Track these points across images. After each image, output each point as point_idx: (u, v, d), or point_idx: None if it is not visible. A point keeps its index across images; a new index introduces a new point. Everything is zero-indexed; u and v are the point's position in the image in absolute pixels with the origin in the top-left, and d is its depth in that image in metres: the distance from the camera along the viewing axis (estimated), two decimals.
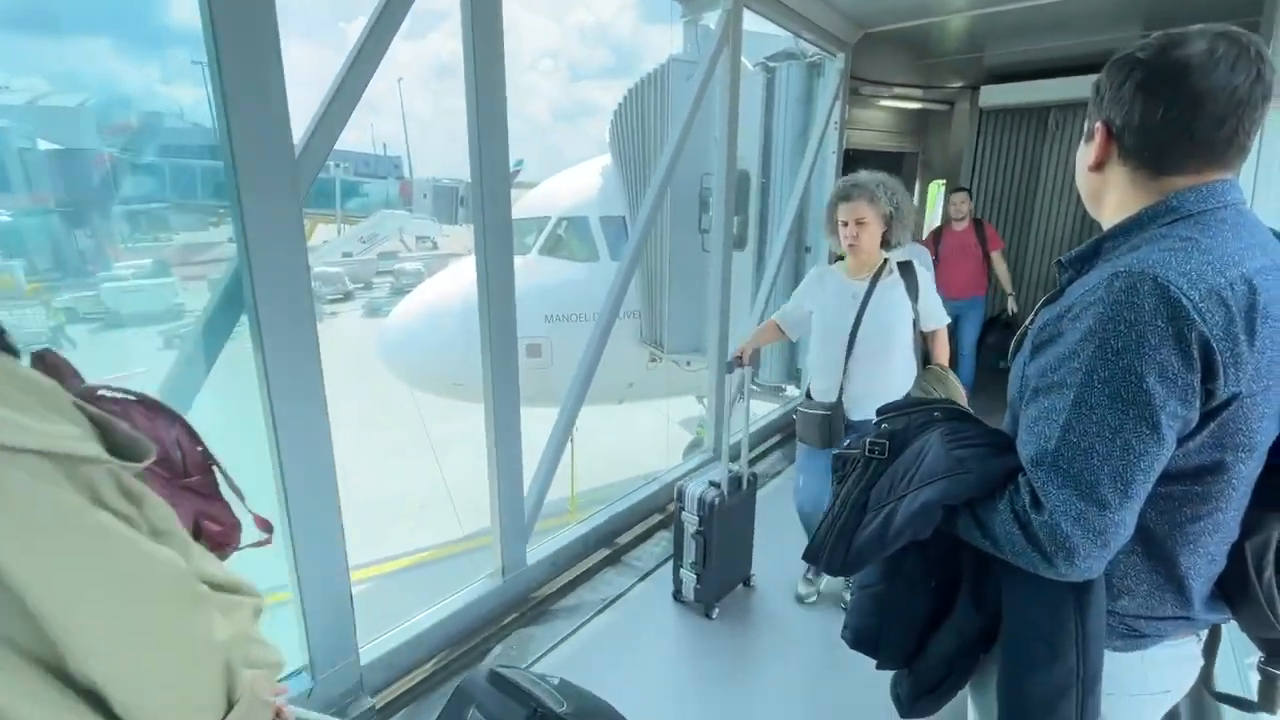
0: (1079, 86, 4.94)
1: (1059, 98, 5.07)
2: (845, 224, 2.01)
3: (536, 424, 2.52)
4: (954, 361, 4.45)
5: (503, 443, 2.08)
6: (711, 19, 3.39)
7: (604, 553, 2.64)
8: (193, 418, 1.41)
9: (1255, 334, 0.68)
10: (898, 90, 5.56)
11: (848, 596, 2.33)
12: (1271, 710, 0.82)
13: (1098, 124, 0.81)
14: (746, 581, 2.52)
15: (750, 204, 4.63)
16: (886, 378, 2.07)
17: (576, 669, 2.08)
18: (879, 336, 2.04)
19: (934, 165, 6.66)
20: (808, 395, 2.23)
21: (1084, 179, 0.86)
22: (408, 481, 8.61)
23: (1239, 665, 1.71)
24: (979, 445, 0.82)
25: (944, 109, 6.13)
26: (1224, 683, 0.86)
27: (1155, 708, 0.86)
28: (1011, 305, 4.45)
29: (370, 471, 8.65)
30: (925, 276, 2.13)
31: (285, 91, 1.34)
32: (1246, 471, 0.73)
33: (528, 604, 2.32)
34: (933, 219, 6.91)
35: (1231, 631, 0.86)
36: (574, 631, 2.23)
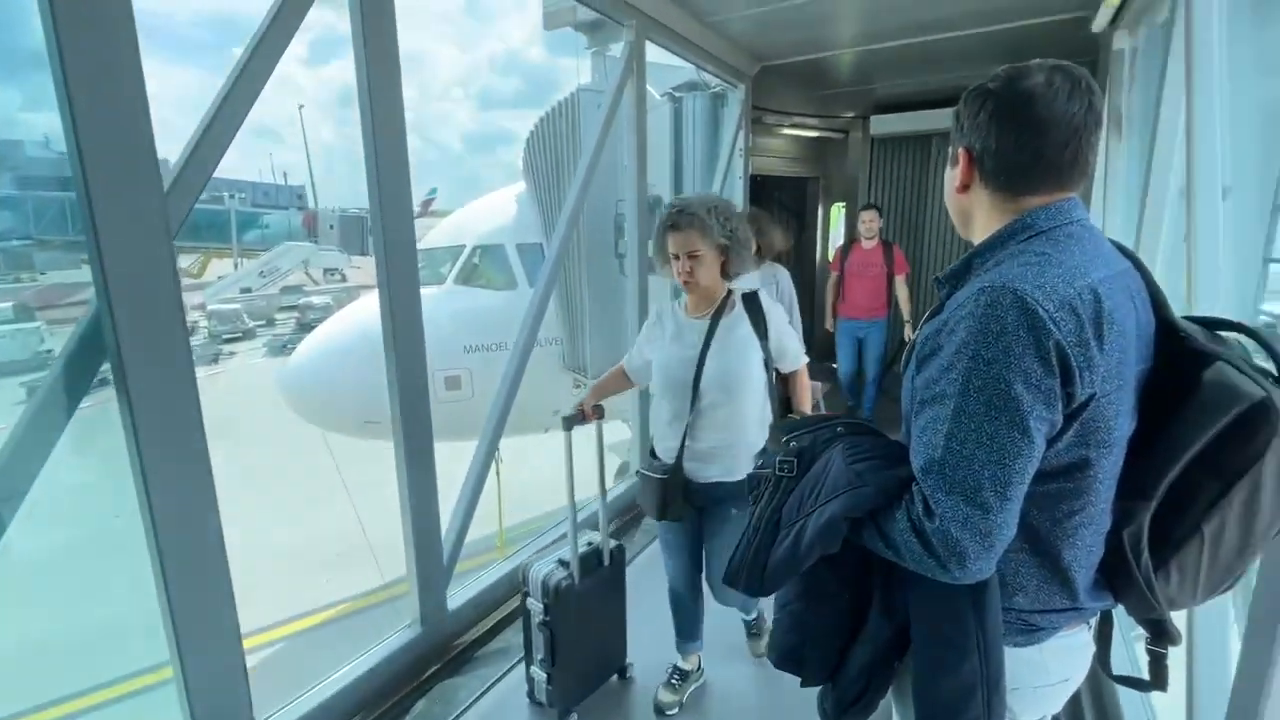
0: (952, 118, 5.43)
1: (940, 127, 5.55)
2: (677, 257, 1.70)
3: (464, 460, 2.41)
4: (860, 385, 4.70)
5: (416, 482, 1.97)
6: (617, 49, 3.47)
7: None
8: (51, 475, 1.25)
9: (1104, 339, 0.74)
10: (796, 119, 5.88)
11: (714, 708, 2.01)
12: (1163, 688, 0.88)
13: (960, 149, 0.88)
14: (622, 674, 2.12)
15: None
16: (736, 433, 1.76)
17: (505, 716, 1.98)
18: (722, 386, 1.72)
19: (833, 189, 7.08)
20: (651, 454, 1.89)
21: (952, 201, 0.93)
22: (325, 529, 8.04)
23: (1128, 647, 1.85)
24: (876, 458, 0.85)
25: (839, 137, 6.54)
26: (1119, 665, 0.92)
27: (1057, 697, 0.90)
28: (909, 333, 4.30)
29: (285, 521, 8.02)
30: (775, 310, 1.83)
31: (149, 114, 1.22)
32: (1109, 465, 0.79)
33: (450, 653, 2.18)
34: (834, 240, 7.32)
35: (1121, 616, 0.92)
36: (501, 677, 2.12)
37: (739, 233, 1.73)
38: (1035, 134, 0.79)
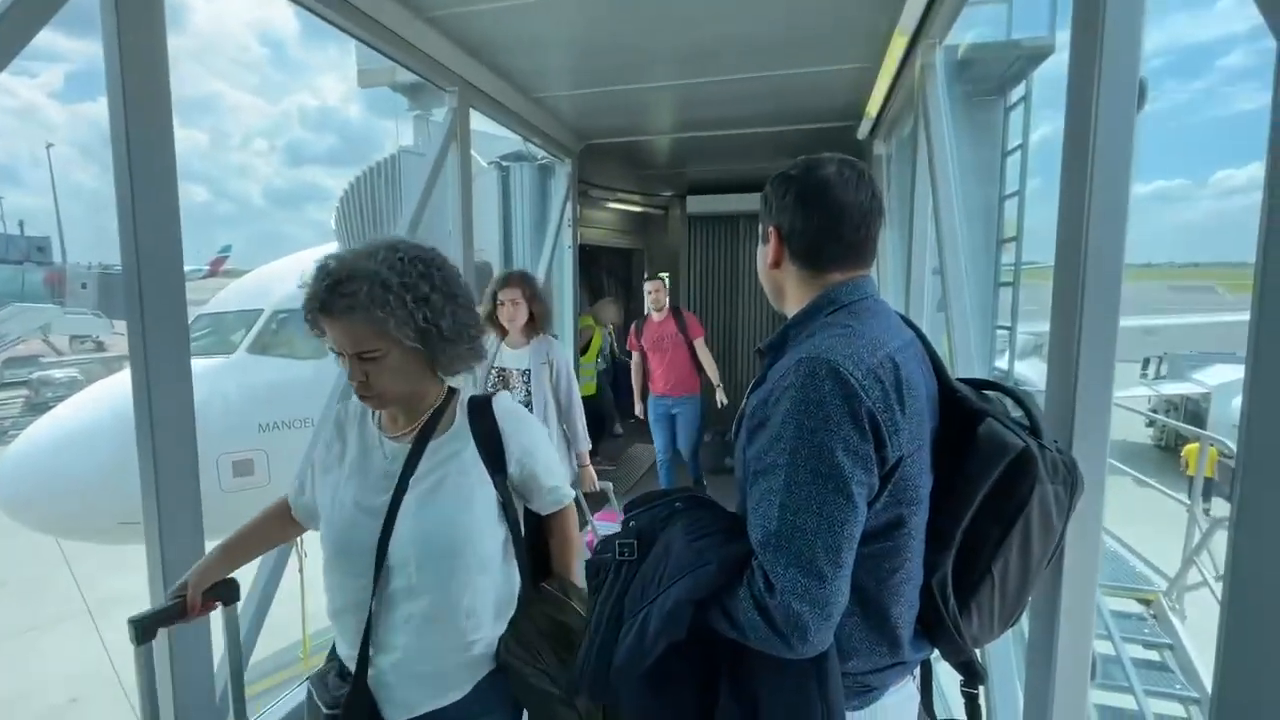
0: (757, 201, 6.12)
1: (746, 209, 6.25)
2: (340, 354, 1.06)
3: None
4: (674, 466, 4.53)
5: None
6: (439, 114, 3.41)
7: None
8: None
9: (905, 403, 0.81)
10: (620, 194, 6.25)
11: None
12: None
13: (770, 228, 0.95)
14: None
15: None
16: (452, 635, 1.08)
17: None
18: (426, 557, 1.06)
19: (656, 260, 7.57)
20: (335, 663, 1.16)
21: (766, 276, 1.00)
22: (53, 669, 6.22)
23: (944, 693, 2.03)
24: (715, 533, 0.84)
25: (660, 213, 7.06)
26: (940, 708, 0.98)
27: None
28: (721, 397, 4.21)
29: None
30: (521, 421, 1.18)
31: None
32: (919, 520, 0.85)
33: None
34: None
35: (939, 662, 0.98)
36: None
37: (433, 300, 1.05)
38: (832, 217, 0.88)
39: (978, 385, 0.95)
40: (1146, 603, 3.55)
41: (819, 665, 0.78)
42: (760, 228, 0.99)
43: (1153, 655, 3.23)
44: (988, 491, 0.82)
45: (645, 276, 7.64)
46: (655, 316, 4.19)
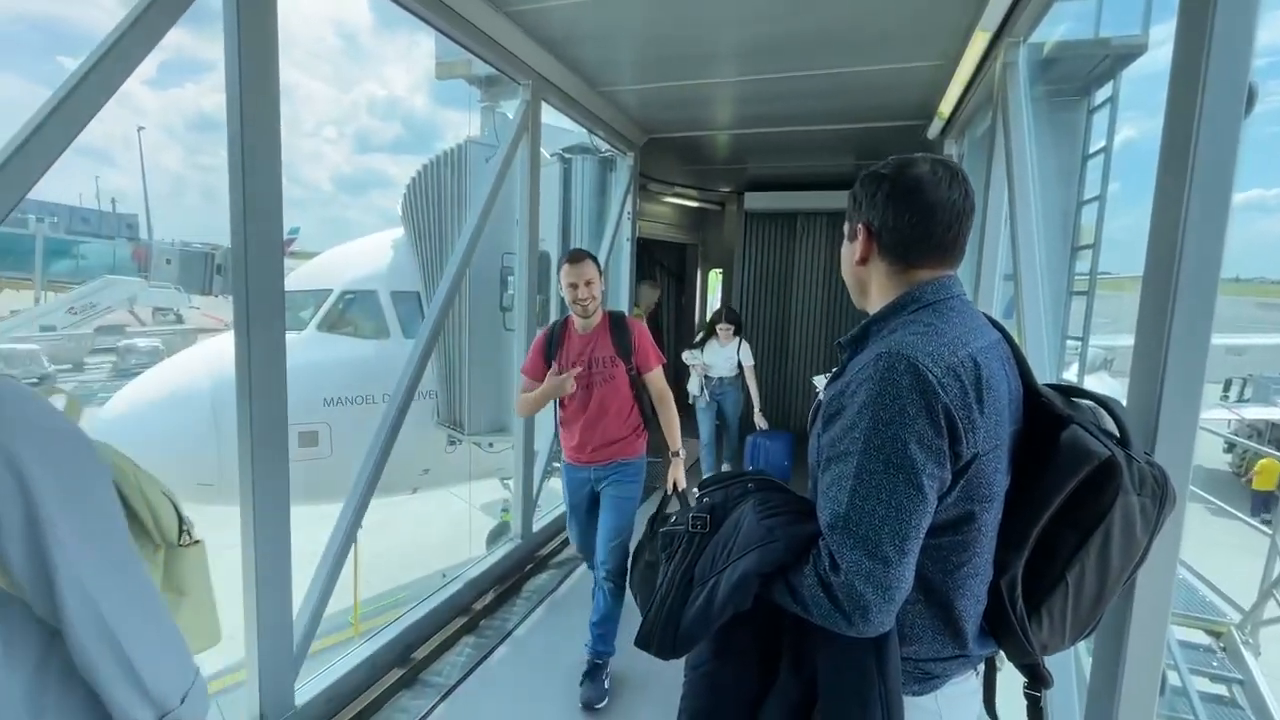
0: (815, 199, 6.08)
1: (803, 206, 6.17)
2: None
3: (306, 525, 2.12)
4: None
5: (266, 555, 1.71)
6: (510, 107, 3.50)
7: (397, 673, 2.27)
8: None
9: (983, 402, 0.81)
10: (679, 189, 6.26)
11: None
12: None
13: (859, 225, 0.95)
14: None
15: (551, 284, 4.73)
16: None
17: None
18: None
19: (711, 256, 7.55)
20: None
21: (851, 273, 1.00)
22: None
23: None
24: (786, 513, 0.87)
25: (717, 208, 7.03)
26: (1004, 709, 0.98)
27: None
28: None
29: None
30: None
31: None
32: (990, 519, 0.86)
33: None
34: (711, 305, 7.73)
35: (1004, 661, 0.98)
36: None
37: None
38: (925, 215, 0.88)
39: (1067, 392, 0.94)
40: (1216, 634, 3.37)
41: (879, 646, 0.81)
42: (847, 225, 0.99)
43: (1221, 689, 3.07)
44: (1066, 498, 0.82)
45: (699, 270, 7.62)
46: (578, 325, 2.37)
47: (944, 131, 3.47)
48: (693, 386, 4.61)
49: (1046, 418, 0.87)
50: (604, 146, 4.33)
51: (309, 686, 1.97)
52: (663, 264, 7.58)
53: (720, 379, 4.48)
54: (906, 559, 0.78)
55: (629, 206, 4.46)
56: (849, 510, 0.78)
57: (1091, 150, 2.40)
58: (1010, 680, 0.98)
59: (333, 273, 5.37)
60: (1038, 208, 2.11)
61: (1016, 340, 0.96)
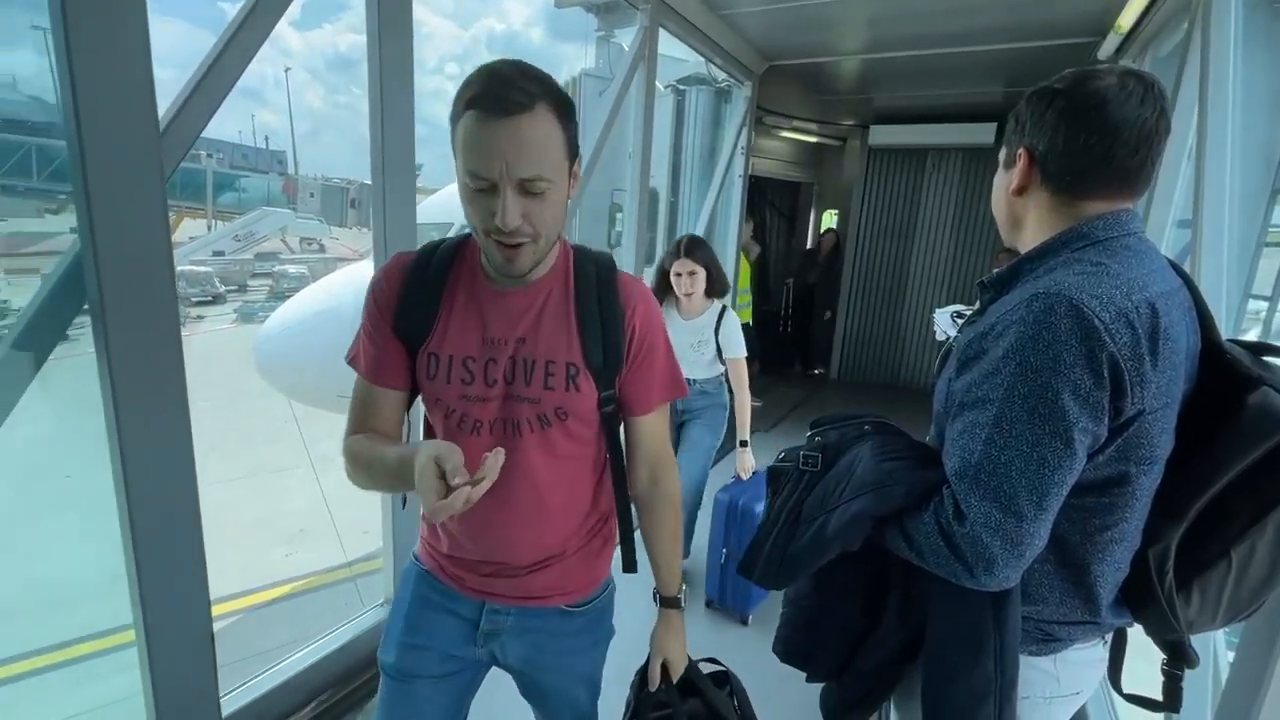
0: (951, 133, 5.50)
1: (935, 141, 5.61)
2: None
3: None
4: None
5: None
6: (625, 37, 3.42)
7: None
8: (16, 423, 1.18)
9: (1158, 355, 0.72)
10: (797, 123, 5.89)
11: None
12: (1175, 709, 0.88)
13: (1019, 150, 0.84)
14: None
15: (659, 221, 4.70)
16: None
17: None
18: None
19: (826, 196, 7.12)
20: None
21: (1004, 204, 0.89)
22: (287, 504, 7.84)
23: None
24: (907, 458, 0.83)
25: (837, 144, 6.57)
26: (1130, 684, 0.92)
27: (1066, 709, 0.90)
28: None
29: (245, 492, 7.81)
30: None
31: (149, 53, 1.15)
32: (1148, 483, 0.78)
33: None
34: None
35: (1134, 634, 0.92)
36: None
37: None
38: (1106, 135, 0.76)
39: (1255, 349, 0.82)
40: None
41: (999, 601, 0.78)
42: (1004, 151, 0.89)
43: None
44: (1247, 467, 0.73)
45: (813, 211, 7.23)
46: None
47: (1120, 50, 2.98)
48: None
49: (1231, 377, 0.76)
50: (720, 76, 4.14)
51: None
52: (773, 203, 7.26)
53: (690, 381, 2.34)
54: (1043, 516, 0.72)
55: (743, 140, 4.28)
56: (982, 459, 0.73)
57: None
58: (1136, 652, 0.92)
59: (451, 208, 5.66)
60: (1235, 140, 1.79)
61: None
